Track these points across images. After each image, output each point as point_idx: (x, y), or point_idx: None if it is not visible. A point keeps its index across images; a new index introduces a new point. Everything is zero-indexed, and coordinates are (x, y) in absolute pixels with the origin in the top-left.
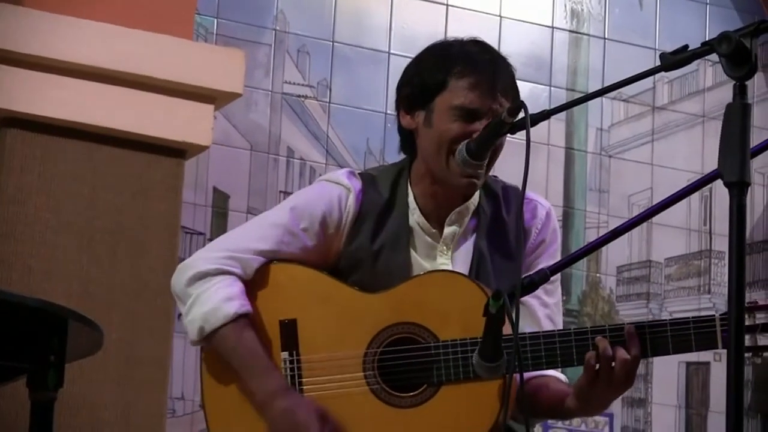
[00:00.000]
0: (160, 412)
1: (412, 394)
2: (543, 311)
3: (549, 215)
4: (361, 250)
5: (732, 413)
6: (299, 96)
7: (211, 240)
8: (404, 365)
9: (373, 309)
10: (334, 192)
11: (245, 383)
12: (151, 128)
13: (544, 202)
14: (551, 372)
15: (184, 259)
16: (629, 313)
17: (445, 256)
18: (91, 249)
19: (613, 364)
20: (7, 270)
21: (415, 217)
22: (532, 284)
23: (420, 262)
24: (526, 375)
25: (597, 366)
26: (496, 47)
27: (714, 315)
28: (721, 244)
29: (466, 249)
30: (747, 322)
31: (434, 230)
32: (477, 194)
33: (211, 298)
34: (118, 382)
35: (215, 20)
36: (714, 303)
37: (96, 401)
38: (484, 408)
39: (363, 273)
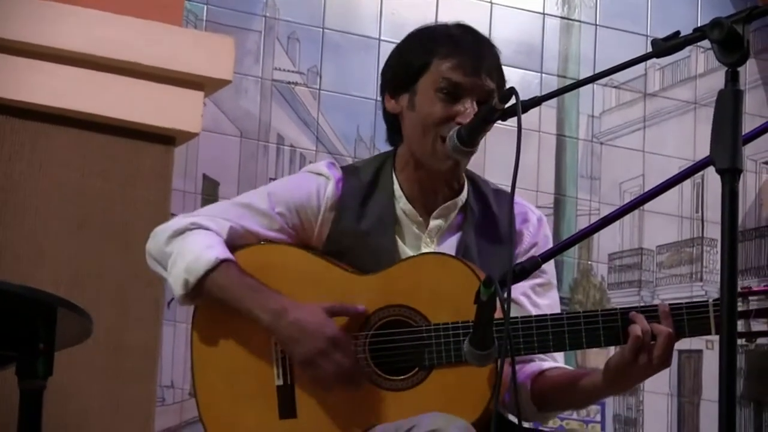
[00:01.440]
0: (149, 400)
1: (403, 377)
2: (535, 312)
3: (541, 221)
4: (346, 234)
5: (724, 401)
6: (289, 83)
7: None
8: (396, 348)
9: (365, 291)
10: (312, 182)
11: (247, 312)
12: (140, 115)
13: (535, 210)
14: (550, 363)
15: None
16: (621, 300)
17: (429, 248)
18: (79, 237)
19: (653, 342)
20: None
21: (401, 204)
22: (524, 271)
23: (406, 251)
24: (530, 372)
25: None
26: (486, 34)
27: (707, 300)
28: (713, 231)
29: (451, 244)
30: (741, 308)
31: (420, 219)
32: (465, 191)
33: (191, 249)
34: (107, 370)
35: (205, 6)
36: (706, 290)
37: (85, 389)
38: (475, 391)
39: (350, 257)
